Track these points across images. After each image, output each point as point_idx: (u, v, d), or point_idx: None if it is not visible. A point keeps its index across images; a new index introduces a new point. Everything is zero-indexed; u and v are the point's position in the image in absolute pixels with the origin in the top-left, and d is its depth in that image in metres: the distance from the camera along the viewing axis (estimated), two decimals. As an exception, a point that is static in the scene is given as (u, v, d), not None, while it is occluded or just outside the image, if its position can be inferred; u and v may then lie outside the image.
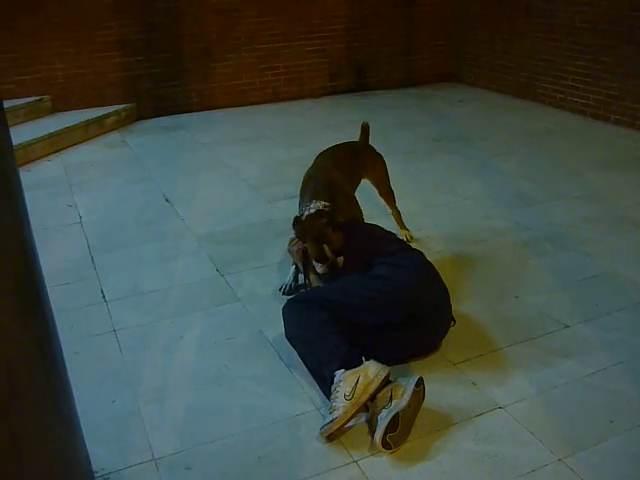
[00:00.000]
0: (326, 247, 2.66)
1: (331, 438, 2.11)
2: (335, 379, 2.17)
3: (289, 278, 3.05)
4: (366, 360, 2.23)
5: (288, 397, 2.34)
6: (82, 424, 1.85)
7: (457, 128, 5.78)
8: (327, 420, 2.10)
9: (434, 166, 4.77)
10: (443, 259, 3.28)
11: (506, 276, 3.14)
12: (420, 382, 2.18)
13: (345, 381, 2.14)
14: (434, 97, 6.99)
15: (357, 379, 2.14)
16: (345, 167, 3.14)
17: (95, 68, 6.12)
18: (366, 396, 2.13)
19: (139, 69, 6.30)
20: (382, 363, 2.28)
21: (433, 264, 2.68)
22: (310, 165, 3.24)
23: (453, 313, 2.59)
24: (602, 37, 5.70)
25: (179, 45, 6.38)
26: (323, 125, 6.01)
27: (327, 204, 2.77)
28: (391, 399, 2.13)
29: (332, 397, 2.14)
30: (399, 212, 3.55)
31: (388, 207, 3.53)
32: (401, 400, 2.11)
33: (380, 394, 2.15)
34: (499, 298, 2.95)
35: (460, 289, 2.96)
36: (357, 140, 3.53)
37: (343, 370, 2.17)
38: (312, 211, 2.77)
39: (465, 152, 5.06)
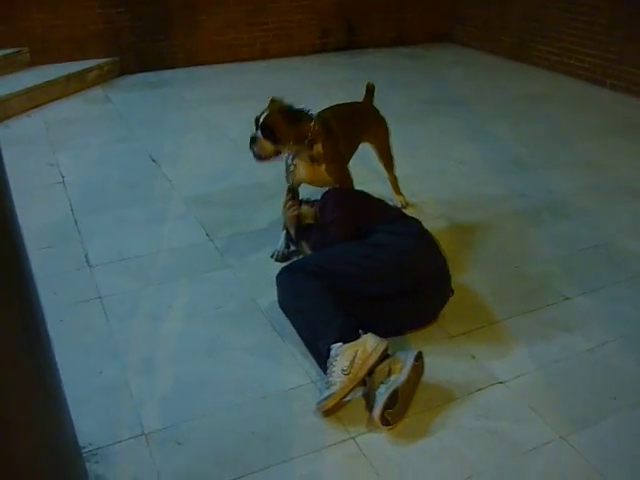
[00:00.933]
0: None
1: (328, 414, 2.04)
2: (332, 352, 2.09)
3: (280, 244, 2.95)
4: (363, 333, 2.16)
5: (282, 369, 2.26)
6: (68, 397, 1.75)
7: (450, 90, 5.64)
8: (324, 395, 2.03)
9: (428, 129, 4.65)
10: (439, 227, 3.18)
11: (504, 245, 3.06)
12: (419, 356, 2.11)
13: (342, 355, 2.06)
14: (426, 57, 6.82)
15: (355, 353, 2.06)
16: (345, 126, 2.96)
17: (75, 19, 5.85)
18: (364, 371, 2.05)
19: (121, 21, 6.04)
20: (378, 335, 2.21)
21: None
22: None
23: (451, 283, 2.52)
24: (601, -3, 5.55)
25: (164, -4, 6.12)
26: (314, 84, 5.82)
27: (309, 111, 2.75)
28: (389, 374, 2.06)
29: (329, 371, 2.07)
30: (396, 178, 3.44)
31: (386, 172, 3.42)
32: (400, 375, 2.04)
33: (378, 368, 2.08)
34: (498, 268, 2.88)
35: (457, 259, 2.88)
36: (361, 101, 3.37)
37: (340, 343, 2.09)
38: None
39: (459, 115, 4.94)
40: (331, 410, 2.04)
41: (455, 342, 2.39)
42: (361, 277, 2.35)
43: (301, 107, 2.76)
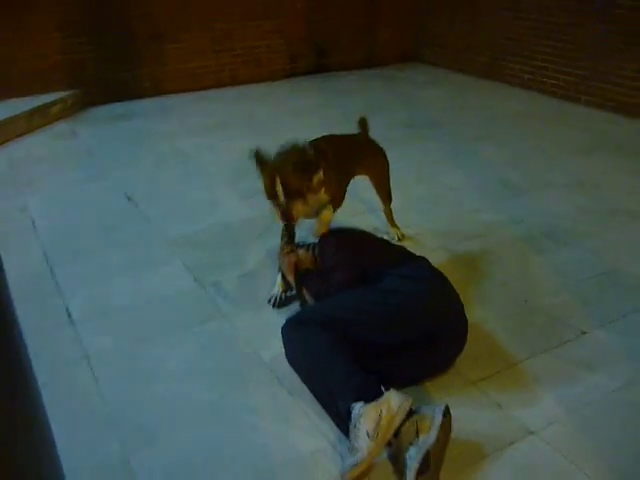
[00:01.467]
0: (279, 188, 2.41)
1: (354, 483, 1.86)
2: (353, 414, 1.92)
3: (277, 288, 2.77)
4: (384, 387, 1.99)
5: (297, 432, 2.07)
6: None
7: (427, 112, 5.56)
8: (349, 462, 1.85)
9: (411, 154, 4.53)
10: (439, 260, 3.04)
11: (510, 277, 2.94)
12: (447, 411, 1.95)
13: (366, 416, 1.89)
14: (398, 78, 6.75)
15: (379, 413, 1.89)
16: (339, 156, 2.76)
17: (36, 51, 5.60)
18: (391, 432, 1.89)
19: (84, 52, 5.81)
20: (393, 385, 2.05)
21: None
22: None
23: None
24: (571, 15, 5.56)
25: (127, 25, 5.91)
26: (287, 111, 5.69)
27: (310, 148, 2.51)
28: (417, 433, 1.90)
29: (352, 435, 1.89)
30: (391, 210, 3.30)
31: (382, 204, 3.28)
32: (429, 435, 1.88)
33: (404, 428, 1.91)
34: (507, 303, 2.75)
35: (464, 295, 2.70)
36: (358, 133, 3.24)
37: (362, 403, 1.92)
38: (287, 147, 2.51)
39: (440, 138, 4.85)
40: (357, 479, 1.87)
41: (477, 389, 2.24)
42: (373, 326, 2.19)
43: (288, 147, 2.54)
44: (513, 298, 2.78)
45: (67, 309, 2.76)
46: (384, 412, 1.89)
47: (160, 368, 2.38)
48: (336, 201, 2.74)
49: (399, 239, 3.23)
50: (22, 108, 5.26)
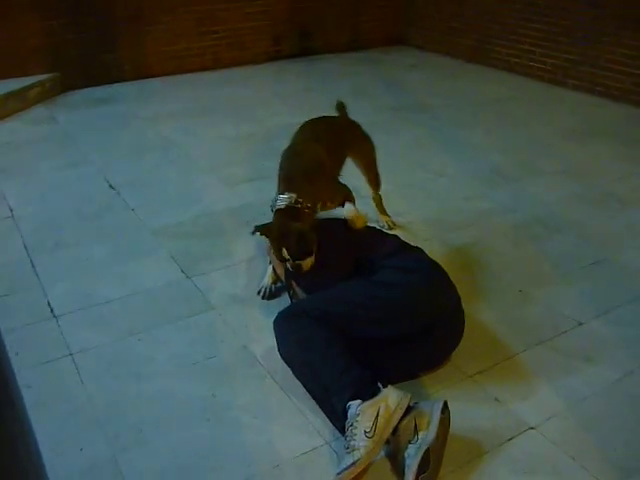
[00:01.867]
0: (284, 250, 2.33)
1: (351, 483, 1.81)
2: (350, 412, 1.86)
3: (267, 279, 2.69)
4: (381, 384, 1.93)
5: (291, 430, 2.01)
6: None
7: (414, 96, 5.48)
8: (346, 463, 1.78)
9: (399, 139, 4.46)
10: (432, 250, 2.94)
11: (504, 266, 2.89)
12: (445, 407, 1.89)
13: (363, 414, 1.83)
14: (384, 62, 6.65)
15: (377, 411, 1.83)
16: (329, 143, 2.71)
17: (13, 32, 5.41)
18: (389, 430, 1.83)
19: (63, 34, 5.61)
20: (390, 379, 2.00)
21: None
22: (289, 143, 2.84)
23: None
24: (561, -1, 5.49)
25: (108, 6, 5.73)
26: (271, 94, 5.58)
27: (300, 199, 2.37)
28: (416, 430, 1.84)
29: (349, 434, 1.83)
30: (380, 197, 3.23)
31: (371, 190, 3.20)
32: (428, 432, 1.83)
33: (402, 424, 1.86)
34: (502, 293, 2.70)
35: (458, 285, 2.63)
36: (339, 115, 3.15)
37: (359, 401, 1.86)
38: (281, 205, 2.39)
39: (428, 123, 4.77)
40: (355, 479, 1.81)
41: (474, 382, 2.19)
42: (369, 320, 2.13)
43: (284, 201, 2.39)
44: (507, 288, 2.73)
45: (48, 302, 2.66)
46: (382, 410, 1.83)
47: (148, 364, 2.30)
48: (348, 195, 2.64)
49: (390, 227, 3.16)
50: (-2, 92, 5.10)
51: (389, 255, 2.34)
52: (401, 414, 1.85)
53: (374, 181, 3.16)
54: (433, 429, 1.82)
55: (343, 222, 2.57)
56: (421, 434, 1.83)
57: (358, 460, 1.77)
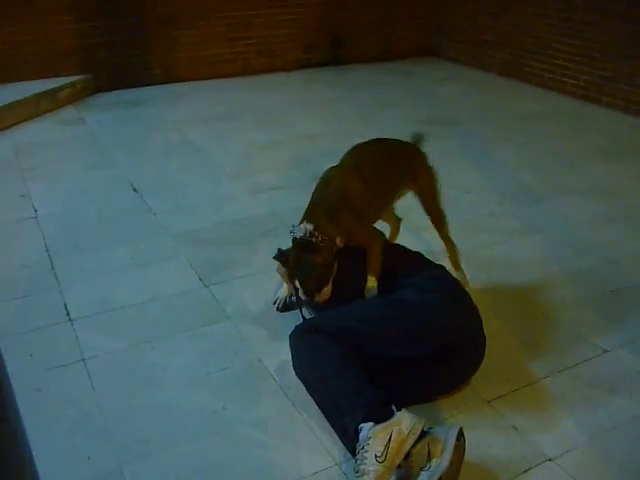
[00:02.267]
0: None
1: (360, 508, 1.75)
2: (361, 435, 1.81)
3: (283, 291, 2.65)
4: (395, 407, 1.87)
5: (300, 449, 1.96)
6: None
7: (445, 109, 5.41)
8: None
9: (428, 153, 4.37)
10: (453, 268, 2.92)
11: (528, 288, 2.81)
12: (460, 434, 1.83)
13: (375, 438, 1.77)
14: (415, 73, 6.59)
15: (389, 435, 1.78)
16: (374, 173, 2.47)
17: (46, 34, 5.49)
18: (401, 456, 1.77)
19: (95, 36, 5.69)
20: (405, 402, 1.95)
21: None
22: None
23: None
24: (597, 14, 5.37)
25: (141, 10, 5.78)
26: (300, 102, 5.56)
27: (316, 232, 2.25)
28: (429, 457, 1.78)
29: (359, 457, 1.78)
30: (454, 245, 2.77)
31: (439, 237, 2.80)
32: (442, 459, 1.76)
33: (415, 450, 1.79)
34: (525, 316, 2.62)
35: (480, 306, 2.58)
36: (400, 141, 2.77)
37: (372, 424, 1.80)
38: (297, 236, 2.29)
39: (458, 137, 4.70)
40: (363, 504, 1.75)
41: (492, 408, 2.12)
42: (385, 339, 2.07)
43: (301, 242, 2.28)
44: (530, 310, 2.66)
45: (65, 305, 2.65)
46: (394, 435, 1.78)
47: (160, 374, 2.27)
48: (376, 241, 2.43)
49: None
50: (30, 92, 5.16)
51: (410, 272, 2.29)
52: (414, 439, 1.79)
53: (437, 221, 2.75)
54: (447, 456, 1.76)
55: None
56: (434, 461, 1.77)
57: None
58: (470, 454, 1.87)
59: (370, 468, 1.73)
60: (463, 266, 2.80)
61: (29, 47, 5.44)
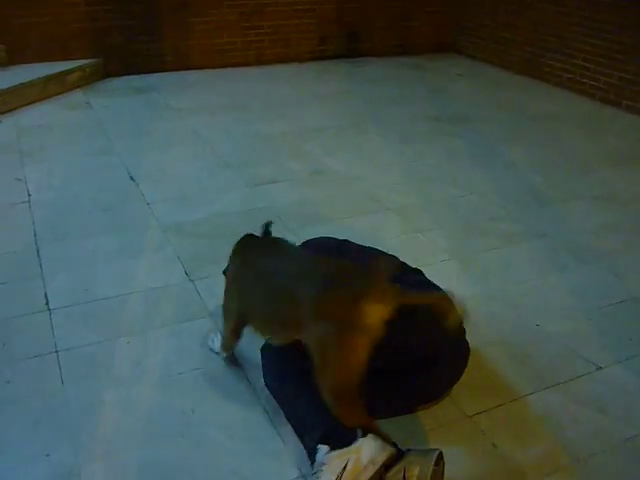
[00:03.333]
0: None
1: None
2: (317, 457, 1.70)
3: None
4: (360, 433, 1.72)
5: (266, 457, 1.88)
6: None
7: (457, 106, 5.28)
8: None
9: (434, 151, 4.28)
10: (449, 272, 2.82)
11: (523, 296, 2.69)
12: (439, 458, 1.69)
13: (329, 464, 1.66)
14: (430, 69, 6.45)
15: (345, 463, 1.66)
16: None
17: (58, 16, 5.44)
18: None
19: (108, 20, 5.63)
20: (382, 414, 1.85)
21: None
22: None
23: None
24: (621, 14, 5.20)
25: (154, -5, 5.72)
26: (310, 95, 5.45)
27: None
28: None
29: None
30: None
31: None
32: None
33: (389, 475, 1.67)
34: (516, 326, 2.51)
35: (472, 313, 2.49)
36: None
37: (327, 448, 1.69)
38: None
39: (468, 136, 4.57)
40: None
41: (472, 423, 2.02)
42: None
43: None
44: (523, 320, 2.54)
45: (46, 294, 2.60)
46: (350, 464, 1.65)
47: (131, 370, 2.21)
48: None
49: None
50: (38, 74, 5.12)
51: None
52: (373, 472, 1.66)
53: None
54: None
55: (329, 241, 2.39)
56: None
57: None
58: (447, 475, 1.77)
59: None
60: (457, 269, 2.70)
61: (40, 29, 5.39)
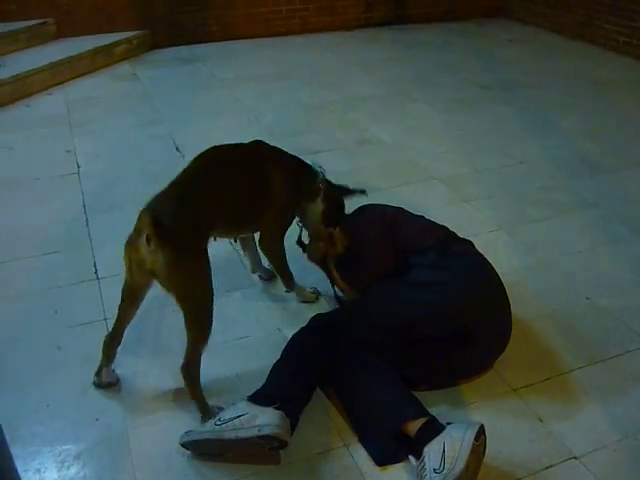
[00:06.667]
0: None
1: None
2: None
3: None
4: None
5: (310, 427, 1.89)
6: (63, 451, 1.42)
7: (507, 73, 5.12)
8: None
9: (483, 119, 4.17)
10: (497, 244, 2.76)
11: (574, 269, 2.62)
12: (480, 432, 1.67)
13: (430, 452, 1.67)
14: (480, 35, 6.26)
15: (442, 446, 1.66)
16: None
17: (105, -12, 5.48)
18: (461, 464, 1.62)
19: (154, -9, 5.65)
20: (424, 385, 1.87)
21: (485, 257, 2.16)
22: None
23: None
24: (683, -28, 4.94)
25: (199, -35, 5.69)
26: (355, 63, 5.37)
27: None
28: (443, 458, 1.64)
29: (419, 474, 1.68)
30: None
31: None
32: (456, 461, 1.61)
33: (430, 448, 1.67)
34: (566, 299, 2.45)
35: (516, 286, 2.41)
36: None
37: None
38: None
39: (518, 103, 4.44)
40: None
41: (518, 397, 1.99)
42: (401, 327, 1.96)
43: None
44: (573, 294, 2.48)
45: (95, 264, 2.66)
46: (447, 445, 1.65)
47: (178, 339, 2.23)
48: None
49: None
50: (87, 46, 5.18)
51: (428, 249, 2.11)
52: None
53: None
54: (463, 458, 1.61)
55: (384, 208, 2.36)
56: (448, 462, 1.63)
57: None
58: (488, 445, 1.75)
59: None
60: (507, 240, 2.64)
61: (87, 2, 5.43)
